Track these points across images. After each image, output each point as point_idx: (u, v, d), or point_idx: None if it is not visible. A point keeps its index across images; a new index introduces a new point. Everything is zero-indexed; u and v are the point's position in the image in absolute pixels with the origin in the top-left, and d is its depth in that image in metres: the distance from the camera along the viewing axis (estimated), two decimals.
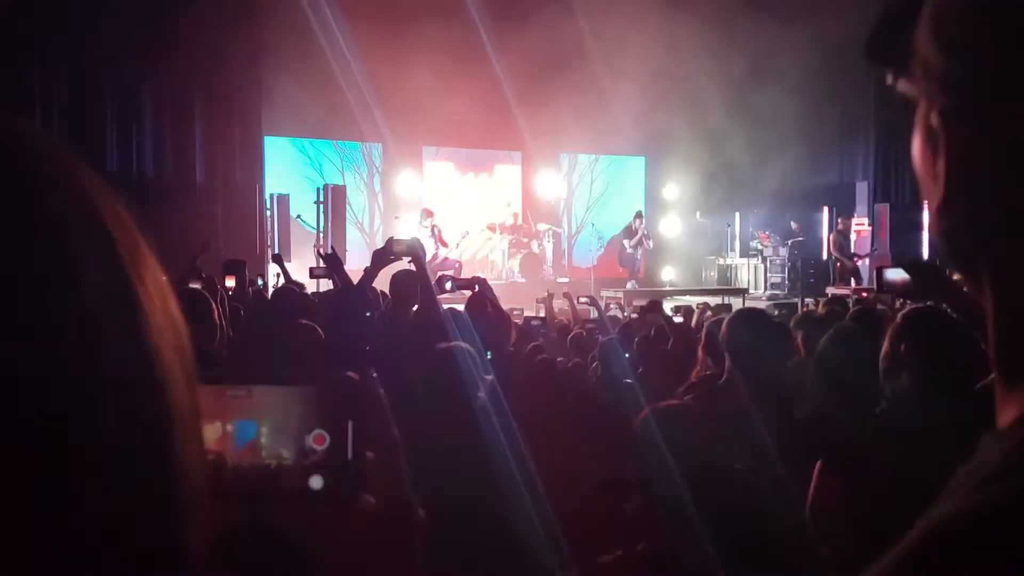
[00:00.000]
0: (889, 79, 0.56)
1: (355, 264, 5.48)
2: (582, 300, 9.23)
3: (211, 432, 0.66)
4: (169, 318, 0.48)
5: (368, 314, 4.48)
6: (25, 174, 0.44)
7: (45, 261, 0.43)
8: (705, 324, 4.40)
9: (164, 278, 0.49)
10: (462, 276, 9.99)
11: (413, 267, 4.57)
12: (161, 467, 0.45)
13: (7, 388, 0.41)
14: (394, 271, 4.73)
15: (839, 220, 15.67)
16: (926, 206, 0.56)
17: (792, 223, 16.47)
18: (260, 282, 9.97)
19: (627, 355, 5.06)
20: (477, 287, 5.55)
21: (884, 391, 2.39)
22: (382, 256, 4.47)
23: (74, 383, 0.42)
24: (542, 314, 9.18)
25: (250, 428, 0.65)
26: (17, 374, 0.41)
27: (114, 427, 0.43)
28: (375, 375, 0.69)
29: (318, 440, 0.66)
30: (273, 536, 0.65)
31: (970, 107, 0.51)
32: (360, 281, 4.44)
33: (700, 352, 3.89)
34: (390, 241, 4.59)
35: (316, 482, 0.66)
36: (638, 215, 17.40)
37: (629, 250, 16.91)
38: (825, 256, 16.15)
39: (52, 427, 0.42)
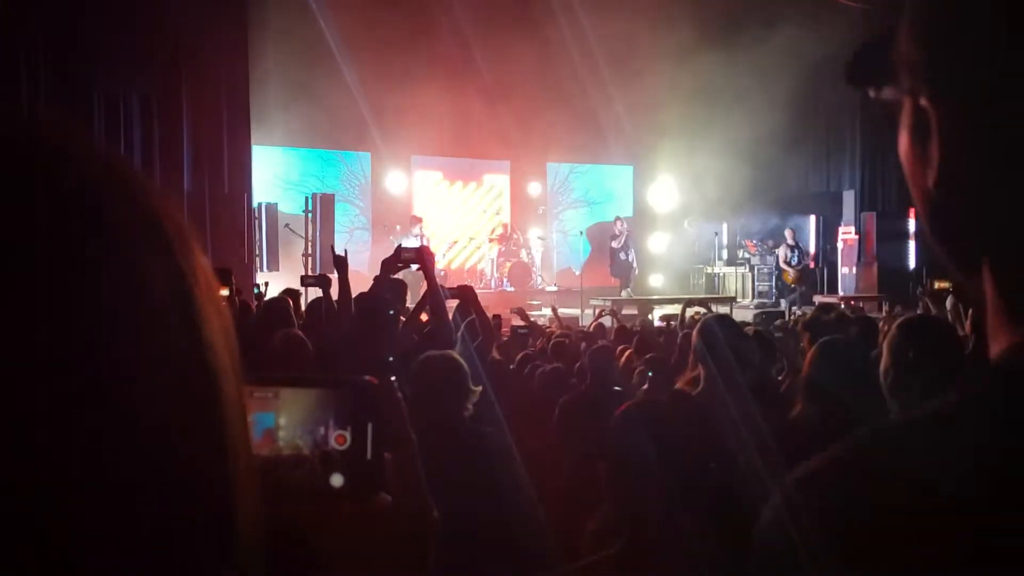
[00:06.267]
0: (872, 93, 0.59)
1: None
2: (513, 310, 9.53)
3: None
4: (220, 313, 0.49)
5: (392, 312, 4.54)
6: (84, 180, 0.46)
7: (109, 263, 0.44)
8: (697, 327, 4.43)
9: (211, 273, 0.50)
10: (449, 285, 10.03)
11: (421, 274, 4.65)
12: (219, 464, 0.46)
13: (76, 387, 0.41)
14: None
15: (786, 231, 16.21)
16: (913, 190, 0.58)
17: (787, 231, 16.55)
18: (256, 291, 9.96)
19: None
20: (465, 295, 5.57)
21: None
22: (391, 263, 4.49)
23: (139, 384, 0.43)
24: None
25: (272, 427, 0.68)
26: (83, 374, 0.41)
27: (177, 422, 0.44)
28: (393, 379, 0.73)
29: (339, 440, 0.69)
30: (291, 532, 0.68)
31: (955, 90, 0.54)
32: (371, 288, 4.46)
33: (692, 356, 3.91)
34: (399, 249, 4.62)
35: (337, 480, 0.69)
36: (617, 219, 17.35)
37: (621, 256, 16.86)
38: (808, 265, 16.37)
39: (120, 422, 0.42)
